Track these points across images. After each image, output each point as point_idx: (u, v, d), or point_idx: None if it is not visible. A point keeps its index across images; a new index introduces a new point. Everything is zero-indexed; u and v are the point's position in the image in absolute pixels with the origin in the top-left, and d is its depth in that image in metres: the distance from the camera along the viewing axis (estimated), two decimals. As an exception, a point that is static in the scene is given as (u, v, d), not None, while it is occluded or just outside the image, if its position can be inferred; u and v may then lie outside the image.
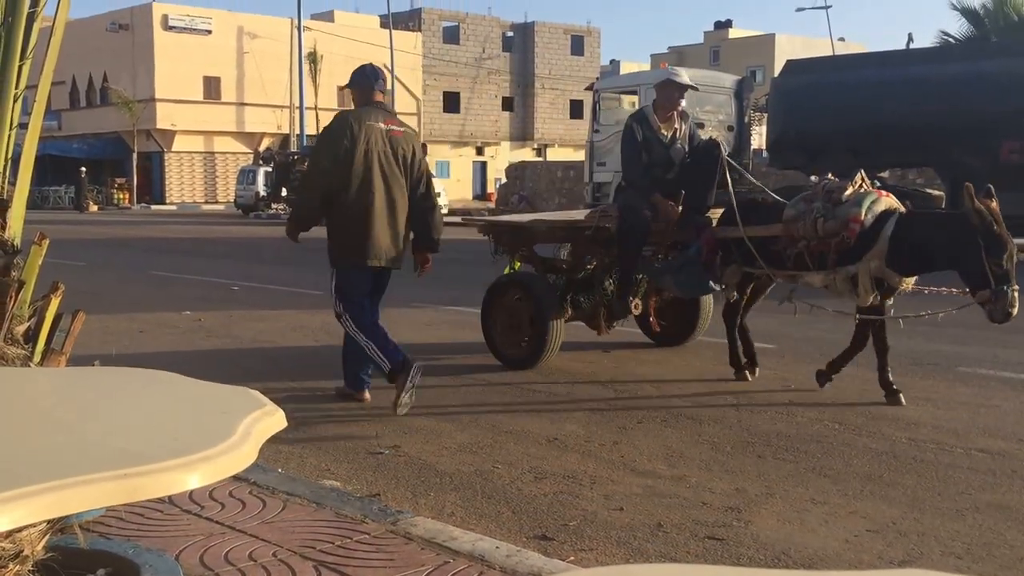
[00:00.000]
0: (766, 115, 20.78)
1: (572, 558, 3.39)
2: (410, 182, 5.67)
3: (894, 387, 5.66)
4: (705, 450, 4.81)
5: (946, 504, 4.00)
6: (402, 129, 5.72)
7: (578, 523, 3.77)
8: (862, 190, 5.78)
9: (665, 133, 6.65)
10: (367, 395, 5.78)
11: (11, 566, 1.99)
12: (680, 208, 6.58)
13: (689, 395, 6.04)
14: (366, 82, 5.71)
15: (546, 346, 6.60)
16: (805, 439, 4.98)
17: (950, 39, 26.32)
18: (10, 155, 2.46)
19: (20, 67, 2.44)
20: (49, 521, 2.06)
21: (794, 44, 53.08)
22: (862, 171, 5.98)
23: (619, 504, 3.99)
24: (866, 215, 5.58)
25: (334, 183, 5.50)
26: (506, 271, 7.33)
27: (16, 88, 2.43)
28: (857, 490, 4.18)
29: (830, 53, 29.40)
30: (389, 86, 43.18)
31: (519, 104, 55.78)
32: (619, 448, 4.83)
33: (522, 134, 55.81)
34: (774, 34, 60.68)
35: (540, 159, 48.50)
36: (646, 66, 56.09)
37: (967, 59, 17.07)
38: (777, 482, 4.28)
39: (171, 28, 45.17)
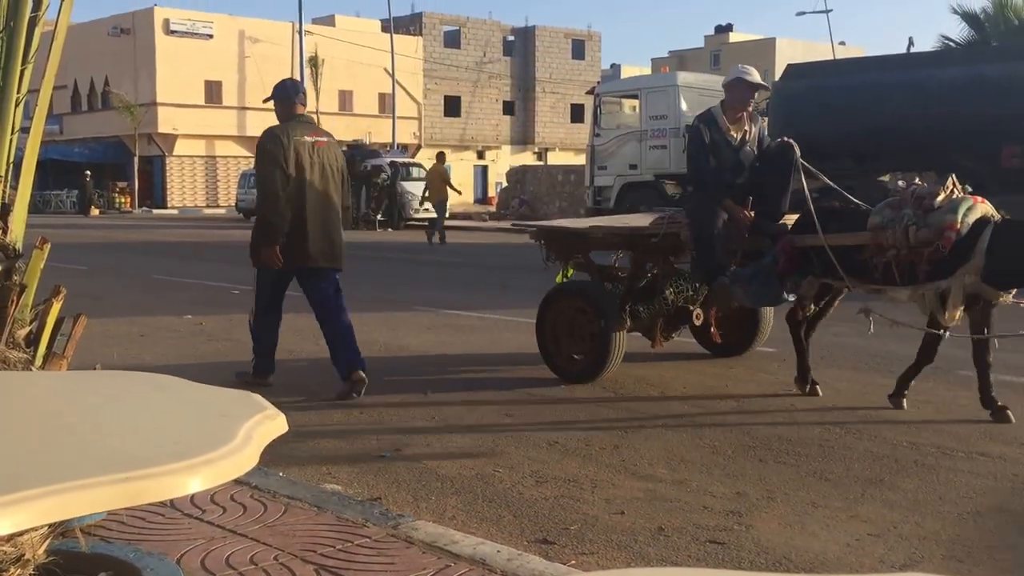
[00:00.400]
0: (767, 119, 20.76)
1: (573, 562, 3.39)
2: (336, 186, 6.02)
3: (904, 391, 5.65)
4: (706, 454, 4.80)
5: (947, 508, 4.00)
6: (326, 139, 6.06)
7: (579, 527, 3.77)
8: (955, 196, 5.38)
9: (734, 135, 6.31)
10: (362, 375, 5.90)
11: (12, 570, 1.99)
12: (752, 214, 6.29)
13: (690, 399, 6.04)
14: (287, 97, 6.04)
15: (608, 359, 6.24)
16: (806, 443, 4.98)
17: (951, 43, 26.30)
18: (12, 159, 2.47)
19: (22, 71, 2.44)
20: (50, 525, 2.07)
21: (795, 48, 53.03)
22: (953, 176, 5.61)
23: (620, 508, 3.99)
24: (961, 223, 5.21)
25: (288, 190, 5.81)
26: (558, 279, 7.03)
27: (18, 92, 2.43)
28: (858, 494, 4.17)
29: (831, 57, 29.36)
30: (390, 90, 43.14)
31: (520, 108, 55.81)
32: (620, 452, 4.83)
33: (523, 138, 55.84)
34: (775, 38, 60.69)
35: (541, 163, 48.51)
36: (647, 70, 56.23)
37: (968, 63, 17.04)
38: (778, 486, 4.28)
39: (172, 32, 45.22)
